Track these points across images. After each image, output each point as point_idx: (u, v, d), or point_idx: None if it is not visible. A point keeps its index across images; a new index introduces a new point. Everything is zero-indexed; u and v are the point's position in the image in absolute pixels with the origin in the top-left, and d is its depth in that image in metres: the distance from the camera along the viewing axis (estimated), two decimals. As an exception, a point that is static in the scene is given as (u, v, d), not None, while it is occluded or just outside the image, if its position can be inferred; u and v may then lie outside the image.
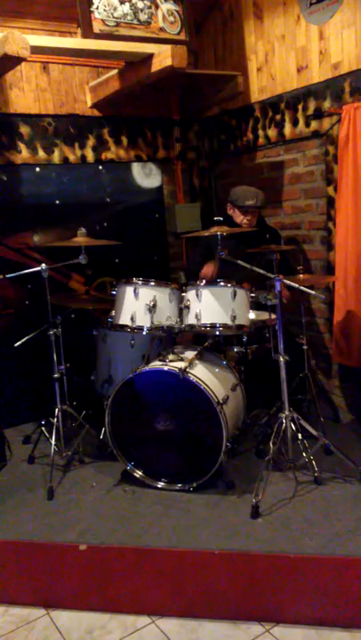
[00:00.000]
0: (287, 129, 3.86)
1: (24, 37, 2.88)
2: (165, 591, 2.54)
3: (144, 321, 3.03)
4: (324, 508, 2.72)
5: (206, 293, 2.98)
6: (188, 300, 3.03)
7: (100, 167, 4.18)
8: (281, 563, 2.43)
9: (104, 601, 2.56)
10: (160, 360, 3.05)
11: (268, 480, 2.88)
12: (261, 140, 4.10)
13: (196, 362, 3.07)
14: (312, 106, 3.64)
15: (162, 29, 3.52)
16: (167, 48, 3.31)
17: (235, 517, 2.70)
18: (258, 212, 3.70)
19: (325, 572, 2.40)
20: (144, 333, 3.07)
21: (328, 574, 2.40)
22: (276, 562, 2.43)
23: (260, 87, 4.02)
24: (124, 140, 4.24)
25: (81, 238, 3.26)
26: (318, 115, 3.61)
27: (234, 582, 2.47)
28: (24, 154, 3.85)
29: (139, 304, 3.03)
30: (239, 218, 3.66)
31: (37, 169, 3.93)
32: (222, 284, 2.99)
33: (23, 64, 3.49)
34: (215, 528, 2.63)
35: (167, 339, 3.16)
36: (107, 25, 3.31)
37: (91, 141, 4.10)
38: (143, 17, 3.43)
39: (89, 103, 4.07)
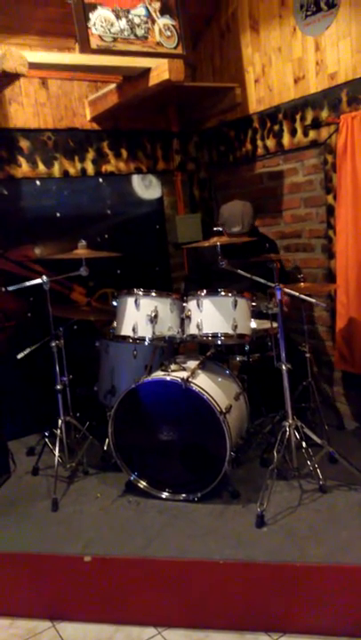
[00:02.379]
0: (286, 139, 3.89)
1: (22, 54, 2.92)
2: (171, 602, 2.52)
3: (146, 331, 3.04)
4: (329, 516, 2.71)
5: (207, 303, 2.99)
6: (190, 310, 3.04)
7: (101, 180, 4.22)
8: (287, 572, 2.42)
9: (110, 612, 2.55)
10: (162, 370, 3.05)
11: (272, 489, 2.87)
12: (260, 151, 4.13)
13: (199, 371, 3.07)
14: (310, 116, 3.67)
15: (159, 44, 3.55)
16: (164, 62, 3.36)
17: (240, 527, 2.69)
18: (246, 236, 3.61)
19: (331, 581, 2.39)
20: (146, 344, 3.08)
21: (334, 583, 2.38)
22: (281, 571, 2.42)
23: (257, 98, 4.06)
24: (124, 153, 4.28)
25: (82, 250, 3.28)
26: (316, 124, 3.63)
27: (240, 592, 2.46)
28: (24, 168, 3.89)
29: (140, 315, 3.05)
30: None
31: (38, 182, 3.96)
32: (223, 293, 3.00)
33: (22, 79, 3.53)
34: (220, 538, 2.63)
35: (169, 349, 3.16)
36: (104, 40, 3.35)
37: (90, 154, 4.14)
38: (140, 32, 3.47)
39: (88, 117, 4.11)
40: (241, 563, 2.46)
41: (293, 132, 3.82)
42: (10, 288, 3.30)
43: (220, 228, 3.72)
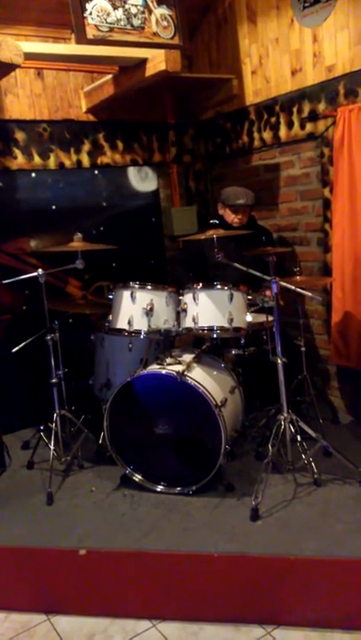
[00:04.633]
0: (282, 131, 3.87)
1: (17, 44, 2.89)
2: (166, 595, 2.53)
3: (141, 325, 3.03)
4: (323, 509, 2.72)
5: (203, 296, 2.99)
6: (185, 304, 3.03)
7: (96, 172, 4.19)
8: (281, 565, 2.43)
9: (104, 605, 2.55)
10: (158, 363, 3.05)
11: (267, 482, 2.87)
12: (257, 143, 4.11)
13: (194, 365, 3.07)
14: (307, 108, 3.65)
15: (155, 34, 3.53)
16: (161, 53, 3.32)
17: (234, 520, 2.70)
18: (248, 212, 3.71)
19: (326, 574, 2.40)
20: (141, 337, 3.08)
21: (328, 576, 2.39)
22: (276, 564, 2.43)
23: (254, 90, 4.03)
24: (120, 145, 4.25)
25: (77, 243, 3.27)
26: (313, 117, 3.62)
27: (234, 585, 2.47)
28: (19, 159, 3.86)
29: (136, 308, 3.04)
30: (230, 217, 3.67)
31: (33, 174, 3.93)
32: (219, 286, 2.99)
33: (17, 70, 3.50)
34: (215, 531, 2.63)
35: (165, 342, 3.16)
36: (100, 30, 3.32)
37: (86, 146, 4.11)
38: (136, 22, 3.44)
39: (84, 108, 4.08)
40: (235, 556, 2.47)
41: (290, 125, 3.80)
42: (5, 281, 3.29)
43: (216, 221, 3.71)
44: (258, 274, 2.97)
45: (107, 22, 3.34)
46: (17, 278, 3.26)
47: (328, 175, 3.61)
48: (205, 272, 3.73)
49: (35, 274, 3.19)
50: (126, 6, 3.41)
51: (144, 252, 4.45)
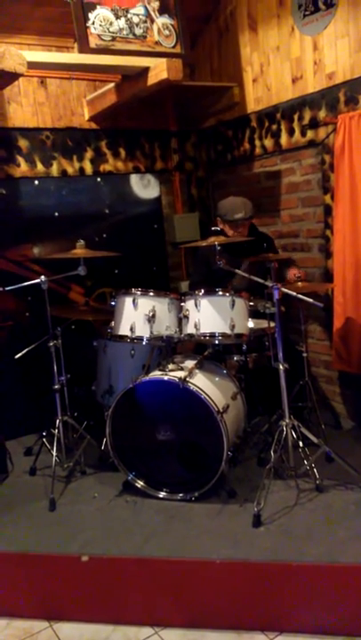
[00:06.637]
0: (283, 139, 3.89)
1: (21, 53, 2.92)
2: (168, 601, 2.53)
3: (143, 331, 3.04)
4: (325, 515, 2.72)
5: (205, 303, 3.00)
6: (187, 310, 3.04)
7: (99, 179, 4.22)
8: (283, 571, 2.42)
9: (107, 612, 2.55)
10: (160, 370, 3.06)
11: (269, 488, 2.88)
12: (258, 150, 4.13)
13: (196, 371, 3.07)
14: (308, 115, 3.67)
15: (157, 43, 3.56)
16: (163, 61, 3.36)
17: (236, 526, 2.70)
18: (248, 223, 3.69)
19: (328, 581, 2.39)
20: (144, 343, 3.08)
21: (331, 582, 2.39)
22: (278, 570, 2.43)
23: (255, 98, 4.06)
24: (122, 152, 4.28)
25: (80, 250, 3.28)
26: (314, 124, 3.64)
27: (236, 592, 2.46)
28: (23, 167, 3.89)
29: (138, 314, 3.05)
30: (230, 233, 3.64)
31: (36, 182, 3.96)
32: (221, 293, 3.00)
33: (21, 79, 3.53)
34: (217, 537, 2.63)
35: (167, 348, 3.17)
36: (103, 40, 3.36)
37: (89, 154, 4.14)
38: (139, 31, 3.47)
39: (86, 116, 4.11)
40: (238, 562, 2.47)
41: (291, 132, 3.82)
42: (8, 288, 3.30)
43: (219, 227, 3.72)
44: (260, 280, 2.98)
45: (109, 31, 3.37)
46: (20, 285, 3.28)
47: (329, 182, 3.63)
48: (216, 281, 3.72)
49: (37, 280, 3.21)
50: (128, 16, 3.45)
51: (146, 259, 4.47)
